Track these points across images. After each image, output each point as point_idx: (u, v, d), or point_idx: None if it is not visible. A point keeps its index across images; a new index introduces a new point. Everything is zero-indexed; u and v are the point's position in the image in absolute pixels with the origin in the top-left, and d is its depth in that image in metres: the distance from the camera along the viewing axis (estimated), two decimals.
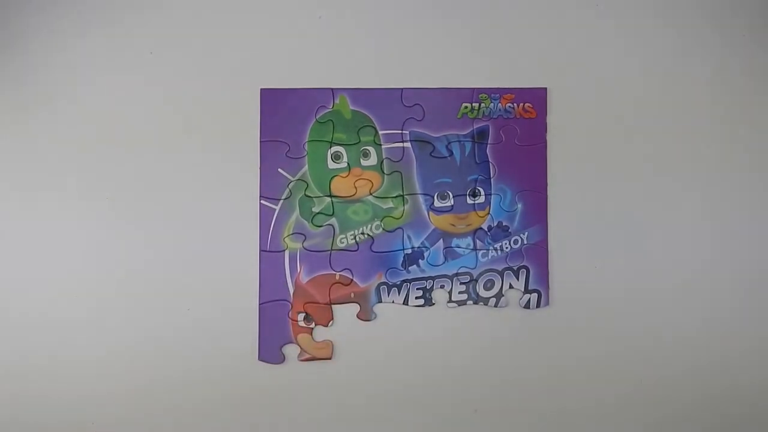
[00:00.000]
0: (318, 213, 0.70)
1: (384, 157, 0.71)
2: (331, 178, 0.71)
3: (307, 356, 0.70)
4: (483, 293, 0.70)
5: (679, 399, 0.69)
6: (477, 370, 0.70)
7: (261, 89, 0.71)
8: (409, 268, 0.70)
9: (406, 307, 0.70)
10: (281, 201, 0.70)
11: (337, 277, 0.70)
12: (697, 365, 0.70)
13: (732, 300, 0.70)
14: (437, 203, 0.71)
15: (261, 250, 0.70)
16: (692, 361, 0.70)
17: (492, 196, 0.71)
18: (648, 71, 0.71)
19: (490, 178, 0.71)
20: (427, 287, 0.70)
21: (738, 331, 0.70)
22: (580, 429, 0.69)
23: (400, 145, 0.71)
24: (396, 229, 0.70)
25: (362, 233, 0.70)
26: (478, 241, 0.70)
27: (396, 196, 0.71)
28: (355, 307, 0.70)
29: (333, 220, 0.71)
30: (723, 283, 0.70)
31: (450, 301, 0.70)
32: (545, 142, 0.71)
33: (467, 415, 0.69)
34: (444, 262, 0.70)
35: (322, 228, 0.70)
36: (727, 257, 0.70)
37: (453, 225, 0.71)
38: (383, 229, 0.70)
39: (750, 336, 0.70)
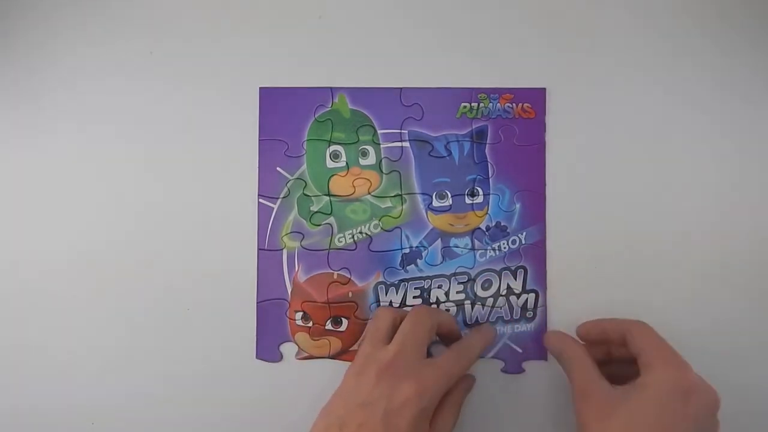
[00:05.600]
0: (316, 212, 0.70)
1: (383, 156, 0.71)
2: (330, 177, 0.71)
3: (305, 355, 0.70)
4: (481, 293, 0.70)
5: None
6: (474, 369, 0.69)
7: (260, 88, 0.71)
8: (407, 267, 0.70)
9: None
10: (280, 200, 0.70)
11: (335, 276, 0.70)
12: (698, 364, 0.70)
13: (733, 299, 0.69)
14: (435, 203, 0.71)
15: (259, 249, 0.70)
16: (694, 358, 0.69)
17: (490, 195, 0.70)
18: (648, 71, 0.71)
19: (488, 178, 0.71)
20: (425, 287, 0.70)
21: (741, 332, 0.69)
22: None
23: (399, 144, 0.71)
24: (394, 228, 0.70)
25: (360, 232, 0.70)
26: (476, 240, 0.70)
27: (394, 196, 0.71)
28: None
29: (331, 219, 0.71)
30: (727, 280, 0.70)
31: (448, 300, 0.70)
32: (544, 142, 0.70)
33: (466, 415, 0.69)
34: (442, 262, 0.70)
35: (320, 227, 0.70)
36: (728, 255, 0.70)
37: (451, 225, 0.70)
38: (381, 228, 0.70)
39: (753, 340, 0.69)
